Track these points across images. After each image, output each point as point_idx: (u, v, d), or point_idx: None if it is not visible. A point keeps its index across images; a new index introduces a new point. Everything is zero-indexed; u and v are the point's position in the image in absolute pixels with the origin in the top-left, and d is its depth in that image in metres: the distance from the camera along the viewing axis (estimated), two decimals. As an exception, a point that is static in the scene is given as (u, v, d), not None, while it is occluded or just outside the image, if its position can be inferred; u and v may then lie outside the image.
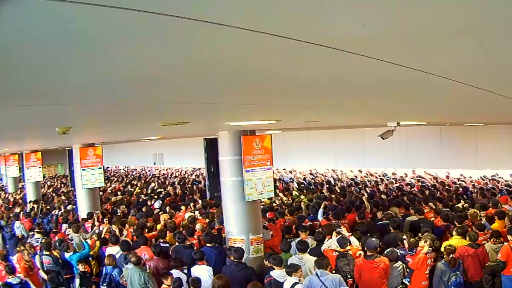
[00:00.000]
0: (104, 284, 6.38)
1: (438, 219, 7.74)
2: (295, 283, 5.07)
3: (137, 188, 15.70)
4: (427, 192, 11.15)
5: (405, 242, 6.12)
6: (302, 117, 6.30)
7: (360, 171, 16.81)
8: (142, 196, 13.48)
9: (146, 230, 8.21)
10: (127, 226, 8.64)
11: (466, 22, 1.38)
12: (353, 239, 6.41)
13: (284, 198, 11.24)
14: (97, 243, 7.71)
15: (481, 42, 1.68)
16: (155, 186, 15.96)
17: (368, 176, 15.97)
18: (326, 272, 5.06)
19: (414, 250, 5.89)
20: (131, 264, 6.02)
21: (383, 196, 11.15)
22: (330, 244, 6.31)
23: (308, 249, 6.11)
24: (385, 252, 5.88)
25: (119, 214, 10.57)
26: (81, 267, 6.72)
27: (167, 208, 10.33)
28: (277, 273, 5.31)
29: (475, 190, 11.76)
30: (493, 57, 1.99)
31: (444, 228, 7.25)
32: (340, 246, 6.03)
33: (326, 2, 1.16)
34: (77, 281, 6.53)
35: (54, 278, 6.25)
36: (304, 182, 15.39)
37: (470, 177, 14.04)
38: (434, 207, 8.63)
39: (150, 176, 21.93)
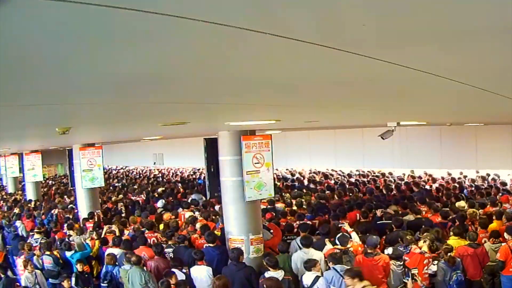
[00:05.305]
0: (105, 282, 6.41)
1: (435, 215, 7.74)
2: (318, 277, 5.14)
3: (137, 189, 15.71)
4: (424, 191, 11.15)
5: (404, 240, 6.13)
6: (302, 117, 6.30)
7: (357, 170, 16.78)
8: (142, 196, 13.48)
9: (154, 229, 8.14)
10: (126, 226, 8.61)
11: (466, 22, 1.38)
12: (354, 235, 6.43)
13: (287, 196, 11.24)
14: (97, 242, 7.71)
15: (481, 42, 1.68)
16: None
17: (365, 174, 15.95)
18: (344, 266, 5.14)
19: (409, 248, 5.89)
20: (128, 265, 6.01)
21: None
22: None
23: (312, 244, 6.12)
24: (388, 250, 5.86)
25: (122, 213, 10.56)
26: (79, 267, 6.72)
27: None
28: (271, 275, 5.26)
29: (470, 190, 11.75)
30: (494, 57, 1.99)
31: (440, 226, 7.24)
32: (340, 243, 6.03)
33: (326, 2, 1.16)
34: (73, 280, 6.55)
35: None
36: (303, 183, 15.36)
37: (466, 176, 14.03)
38: (430, 206, 8.60)
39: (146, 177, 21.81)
